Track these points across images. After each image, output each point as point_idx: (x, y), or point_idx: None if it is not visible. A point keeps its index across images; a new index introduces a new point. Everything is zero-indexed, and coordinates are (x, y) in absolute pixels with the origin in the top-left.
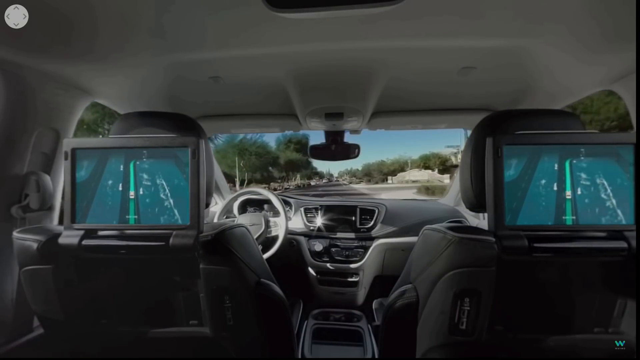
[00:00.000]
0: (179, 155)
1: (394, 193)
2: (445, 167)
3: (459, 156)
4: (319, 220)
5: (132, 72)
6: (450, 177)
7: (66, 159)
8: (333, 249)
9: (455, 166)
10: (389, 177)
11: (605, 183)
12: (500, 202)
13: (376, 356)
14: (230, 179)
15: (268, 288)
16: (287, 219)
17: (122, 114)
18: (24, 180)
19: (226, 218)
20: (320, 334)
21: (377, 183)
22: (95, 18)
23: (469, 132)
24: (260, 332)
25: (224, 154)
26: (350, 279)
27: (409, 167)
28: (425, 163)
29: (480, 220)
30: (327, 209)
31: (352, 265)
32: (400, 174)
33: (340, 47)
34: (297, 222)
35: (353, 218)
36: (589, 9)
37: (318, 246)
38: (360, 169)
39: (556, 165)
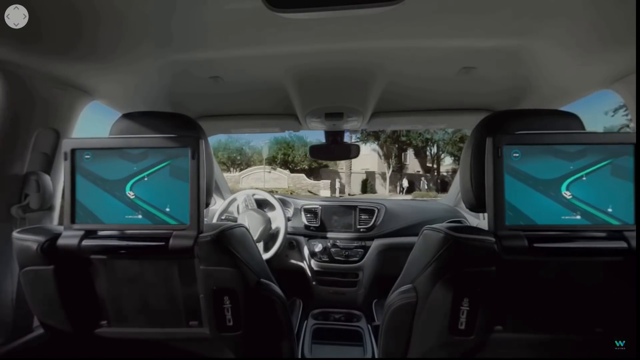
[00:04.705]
0: (178, 156)
1: None
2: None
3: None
4: (319, 220)
5: (132, 72)
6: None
7: (66, 159)
8: (333, 249)
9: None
10: None
11: (606, 183)
12: (500, 202)
13: (376, 356)
14: None
15: (268, 288)
16: (287, 219)
17: (122, 114)
18: (24, 180)
19: (226, 218)
20: (320, 334)
21: None
22: (95, 18)
23: None
24: (260, 332)
25: None
26: (350, 279)
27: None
28: (285, 154)
29: (480, 220)
30: (327, 209)
31: (352, 265)
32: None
33: (340, 47)
34: (297, 222)
35: (353, 218)
36: (588, 9)
37: (318, 246)
38: None
39: (556, 165)
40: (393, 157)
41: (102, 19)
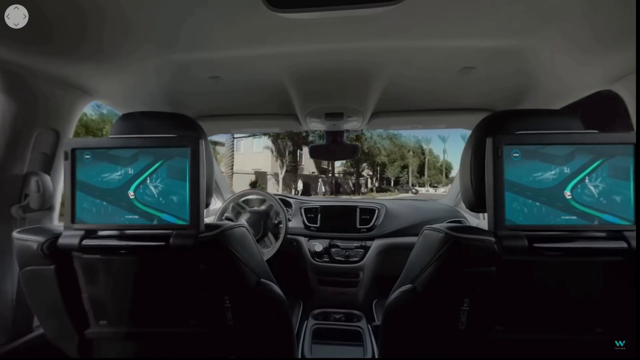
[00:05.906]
0: (178, 155)
1: None
2: None
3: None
4: (319, 221)
5: (132, 72)
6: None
7: (66, 159)
8: (333, 249)
9: None
10: None
11: (606, 183)
12: (500, 202)
13: (376, 356)
14: None
15: (268, 288)
16: (287, 219)
17: (122, 114)
18: (24, 180)
19: (225, 218)
20: (320, 334)
21: None
22: (95, 18)
23: None
24: (260, 332)
25: None
26: (350, 279)
27: None
28: None
29: (480, 220)
30: (327, 209)
31: (352, 266)
32: None
33: (340, 47)
34: (297, 222)
35: (353, 218)
36: (588, 9)
37: (318, 246)
38: None
39: (555, 166)
40: (287, 154)
41: (102, 19)
